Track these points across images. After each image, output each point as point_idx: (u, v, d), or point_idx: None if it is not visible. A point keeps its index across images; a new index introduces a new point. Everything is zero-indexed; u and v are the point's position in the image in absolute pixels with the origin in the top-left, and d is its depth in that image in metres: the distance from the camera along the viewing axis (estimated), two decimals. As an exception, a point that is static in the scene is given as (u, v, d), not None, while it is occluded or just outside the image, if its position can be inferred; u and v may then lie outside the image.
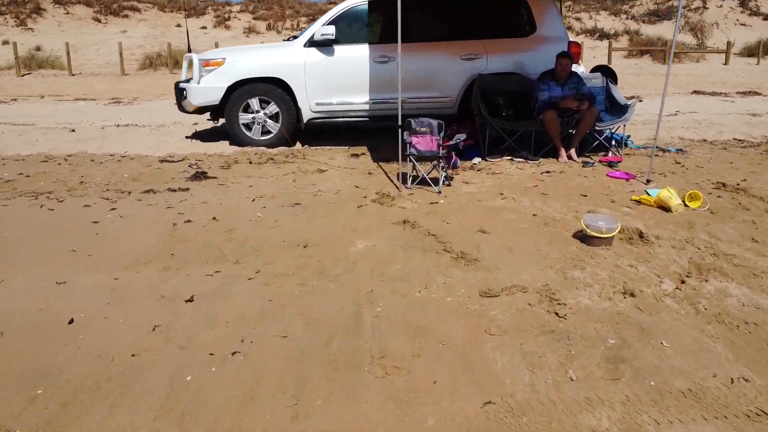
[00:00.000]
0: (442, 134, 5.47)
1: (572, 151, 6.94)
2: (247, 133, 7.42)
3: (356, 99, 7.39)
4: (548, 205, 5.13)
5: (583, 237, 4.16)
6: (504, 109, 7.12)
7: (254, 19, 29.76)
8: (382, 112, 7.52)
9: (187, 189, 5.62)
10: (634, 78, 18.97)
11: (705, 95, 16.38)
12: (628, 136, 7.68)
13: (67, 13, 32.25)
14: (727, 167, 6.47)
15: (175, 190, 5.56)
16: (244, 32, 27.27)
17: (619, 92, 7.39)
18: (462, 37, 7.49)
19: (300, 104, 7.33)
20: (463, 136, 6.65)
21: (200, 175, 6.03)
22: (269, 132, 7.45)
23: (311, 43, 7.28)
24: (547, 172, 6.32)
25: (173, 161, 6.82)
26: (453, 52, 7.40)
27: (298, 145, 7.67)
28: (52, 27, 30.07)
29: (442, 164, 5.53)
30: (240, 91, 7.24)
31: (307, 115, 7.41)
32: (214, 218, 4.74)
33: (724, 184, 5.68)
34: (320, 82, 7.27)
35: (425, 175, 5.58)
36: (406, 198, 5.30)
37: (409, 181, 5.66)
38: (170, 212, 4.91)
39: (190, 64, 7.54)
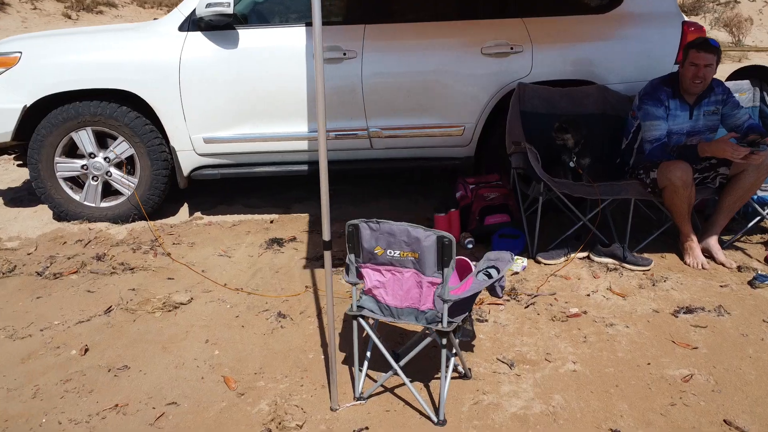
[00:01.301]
0: (446, 265, 1.89)
1: (713, 242, 3.39)
2: (74, 196, 3.87)
3: (280, 129, 3.85)
4: None
5: None
6: (570, 153, 3.57)
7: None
8: (331, 155, 3.99)
9: None
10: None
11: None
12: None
13: (35, 8, 28.06)
14: None
15: None
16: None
17: (791, 119, 3.85)
18: (484, 13, 3.94)
19: (173, 141, 3.78)
20: (470, 240, 3.27)
21: None
22: (118, 193, 3.91)
23: (193, 24, 3.74)
24: (689, 310, 2.77)
25: None
26: (468, 40, 3.85)
27: (180, 214, 4.09)
28: (14, 23, 26.62)
29: (455, 334, 1.99)
30: (55, 116, 3.70)
31: (188, 161, 3.86)
32: None
33: None
34: (211, 98, 3.72)
35: (397, 368, 2.04)
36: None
37: (361, 384, 2.13)
38: None
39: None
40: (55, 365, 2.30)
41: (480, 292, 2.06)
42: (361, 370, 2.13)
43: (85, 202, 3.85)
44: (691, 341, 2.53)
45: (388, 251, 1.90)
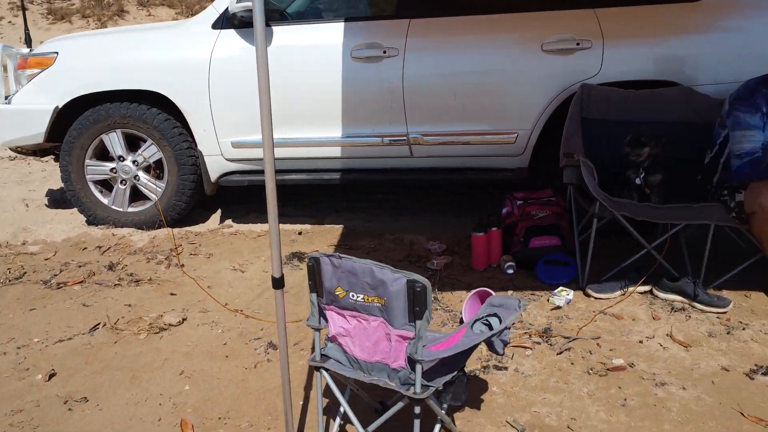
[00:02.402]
0: (418, 317, 1.49)
1: (814, 283, 2.72)
2: (102, 200, 3.79)
3: (312, 134, 3.57)
4: None
5: None
6: (637, 169, 3.01)
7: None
8: (367, 163, 3.67)
9: None
10: None
11: None
12: None
13: (149, 15, 29.84)
14: None
15: None
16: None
17: None
18: (548, 3, 3.44)
19: (201, 145, 3.61)
20: (511, 265, 2.81)
21: None
22: (146, 198, 3.80)
23: (226, 21, 3.54)
24: (775, 375, 2.18)
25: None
26: (525, 35, 3.37)
27: (210, 221, 3.93)
28: (133, 29, 28.20)
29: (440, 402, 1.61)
30: (86, 117, 3.64)
31: (215, 167, 3.67)
32: None
33: None
34: (240, 100, 3.51)
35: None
36: None
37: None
38: None
39: (5, 68, 4.02)
40: (14, 391, 2.13)
41: (475, 347, 1.65)
42: None
43: (113, 206, 3.76)
44: (764, 414, 1.97)
45: (351, 294, 1.54)
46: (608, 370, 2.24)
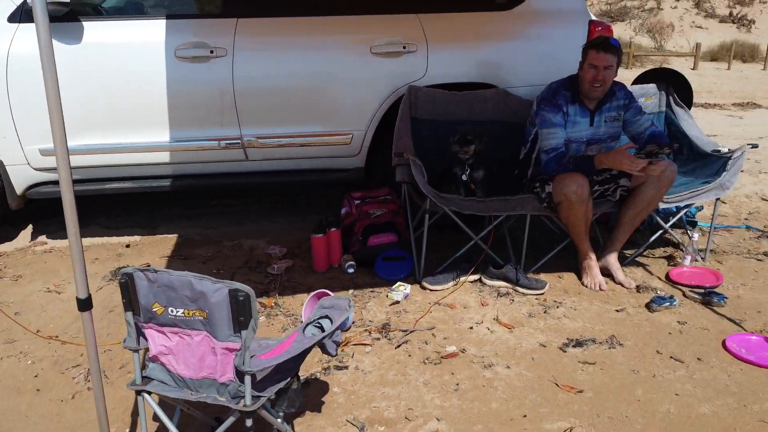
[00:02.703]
0: (243, 326, 1.44)
1: (612, 260, 3.10)
2: None
3: (135, 139, 3.32)
4: None
5: None
6: (462, 166, 3.20)
7: None
8: (201, 168, 3.50)
9: None
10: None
11: (697, 107, 13.15)
12: (699, 208, 3.93)
13: None
14: None
15: None
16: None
17: (696, 124, 3.61)
18: (375, 8, 3.52)
19: (2, 155, 3.19)
20: (351, 264, 2.87)
21: None
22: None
23: (25, 14, 3.16)
24: (578, 343, 2.44)
25: None
26: (355, 38, 3.43)
27: (19, 239, 3.49)
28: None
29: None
30: None
31: (21, 178, 3.27)
32: None
33: None
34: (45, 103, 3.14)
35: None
36: None
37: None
38: None
39: None
40: None
41: (308, 351, 1.63)
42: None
43: None
44: (576, 383, 2.19)
45: (170, 309, 1.44)
46: (442, 357, 2.35)
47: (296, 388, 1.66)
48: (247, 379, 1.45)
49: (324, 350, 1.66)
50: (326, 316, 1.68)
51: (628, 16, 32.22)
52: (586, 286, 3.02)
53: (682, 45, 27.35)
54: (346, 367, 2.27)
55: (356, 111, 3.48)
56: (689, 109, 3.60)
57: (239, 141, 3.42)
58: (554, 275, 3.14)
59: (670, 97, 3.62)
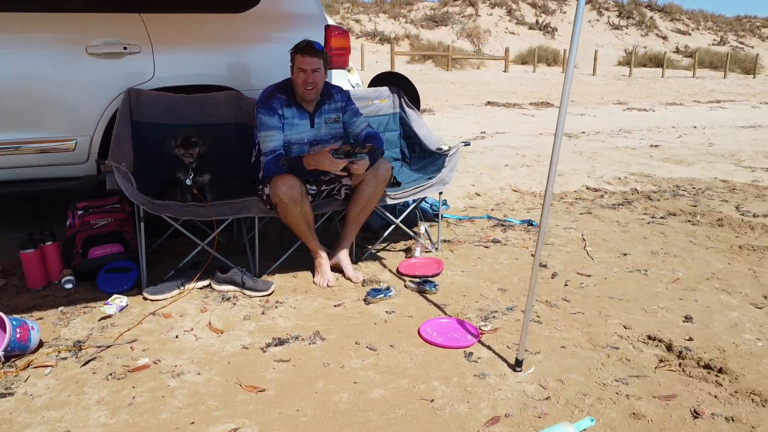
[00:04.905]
0: None
1: (343, 256, 3.23)
2: None
3: None
4: None
5: None
6: (186, 170, 3.13)
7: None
8: None
9: None
10: (422, 86, 16.53)
11: (500, 107, 14.40)
12: (443, 202, 4.25)
13: None
14: (641, 285, 3.27)
15: None
16: None
17: (425, 124, 3.88)
18: (89, 5, 3.31)
19: None
20: (69, 279, 2.74)
21: None
22: None
23: None
24: (281, 341, 2.49)
25: None
26: (67, 37, 3.20)
27: None
28: None
29: None
30: None
31: None
32: None
33: (669, 346, 2.44)
34: None
35: None
36: None
37: None
38: None
39: None
40: None
41: None
42: None
43: None
44: (262, 382, 2.22)
45: None
46: (129, 371, 2.26)
47: None
48: None
49: None
50: None
51: (450, 21, 34.33)
52: (316, 284, 3.10)
53: (498, 49, 29.75)
54: (12, 394, 2.09)
55: (78, 115, 3.27)
56: (418, 110, 3.86)
57: (-62, 150, 3.04)
58: (290, 275, 3.20)
59: (402, 99, 3.85)
